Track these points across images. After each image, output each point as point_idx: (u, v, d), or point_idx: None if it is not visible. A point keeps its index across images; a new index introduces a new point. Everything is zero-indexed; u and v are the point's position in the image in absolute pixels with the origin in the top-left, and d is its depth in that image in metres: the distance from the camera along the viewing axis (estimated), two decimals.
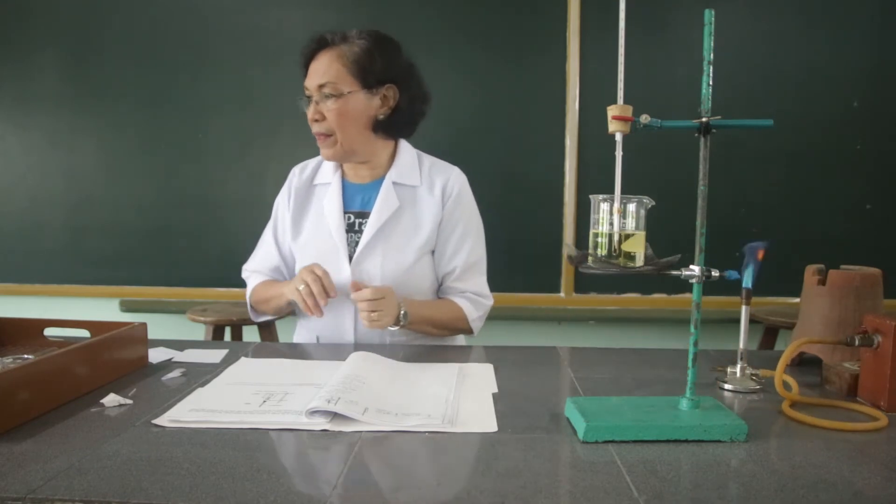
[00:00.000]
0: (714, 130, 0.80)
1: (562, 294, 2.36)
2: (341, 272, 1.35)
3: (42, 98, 2.44)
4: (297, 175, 1.49)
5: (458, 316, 1.40)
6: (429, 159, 1.46)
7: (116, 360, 1.03)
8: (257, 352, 1.23)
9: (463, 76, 2.32)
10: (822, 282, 1.07)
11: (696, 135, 0.81)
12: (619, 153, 0.80)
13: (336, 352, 1.22)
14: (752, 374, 1.00)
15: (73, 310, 2.47)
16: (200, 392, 0.95)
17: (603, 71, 2.26)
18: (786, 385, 0.94)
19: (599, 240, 0.81)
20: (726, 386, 1.00)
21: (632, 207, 0.81)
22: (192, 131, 2.42)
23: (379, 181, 1.41)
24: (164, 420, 0.83)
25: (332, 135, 1.33)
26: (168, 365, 1.11)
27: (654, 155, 2.08)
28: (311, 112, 1.34)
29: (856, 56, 2.24)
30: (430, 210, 1.39)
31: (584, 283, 2.35)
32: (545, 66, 2.30)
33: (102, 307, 2.49)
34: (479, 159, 2.33)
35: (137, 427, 0.81)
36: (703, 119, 0.80)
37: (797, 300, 1.16)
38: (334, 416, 0.83)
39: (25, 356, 1.06)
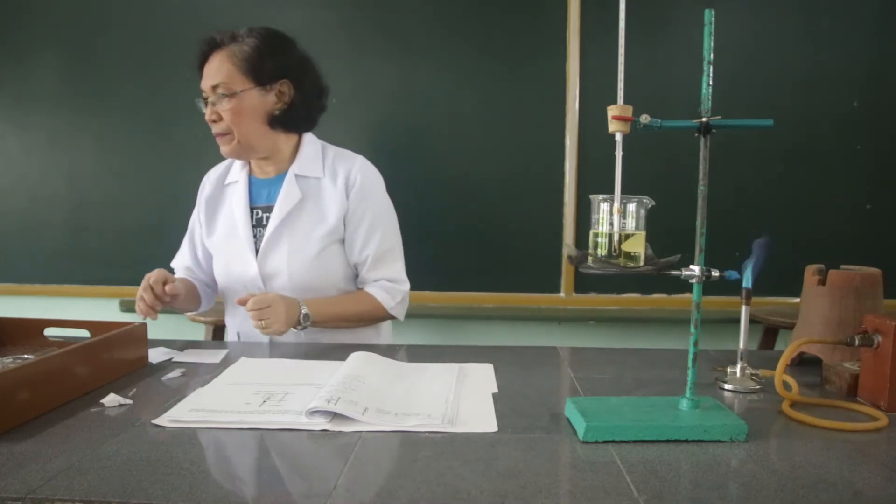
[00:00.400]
0: (714, 130, 0.80)
1: (562, 294, 2.36)
2: (249, 266, 1.39)
3: (42, 98, 2.44)
4: (210, 178, 1.54)
5: (373, 306, 1.42)
6: (333, 150, 1.48)
7: (116, 360, 1.03)
8: (257, 352, 1.23)
9: (463, 76, 2.32)
10: (822, 282, 1.07)
11: (696, 135, 0.81)
12: (619, 153, 0.80)
13: (336, 352, 1.22)
14: (752, 374, 1.00)
15: (73, 310, 2.47)
16: (200, 392, 0.95)
17: (603, 71, 2.26)
18: (786, 385, 0.94)
19: (599, 240, 0.81)
20: (726, 386, 1.00)
21: (632, 207, 0.80)
22: (191, 131, 2.42)
23: (283, 175, 1.43)
24: (164, 420, 0.83)
25: (230, 133, 1.36)
26: (168, 365, 1.11)
27: (654, 155, 2.08)
28: (207, 113, 1.37)
29: (856, 56, 2.24)
30: (333, 200, 1.41)
31: (584, 283, 2.35)
32: (545, 65, 2.30)
33: (102, 307, 2.49)
34: (478, 159, 2.33)
35: (137, 427, 0.81)
36: (703, 119, 0.80)
37: (797, 300, 1.16)
38: (334, 416, 0.83)
39: (25, 356, 1.06)
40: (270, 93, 1.37)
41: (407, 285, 1.48)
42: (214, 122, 1.36)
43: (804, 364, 1.13)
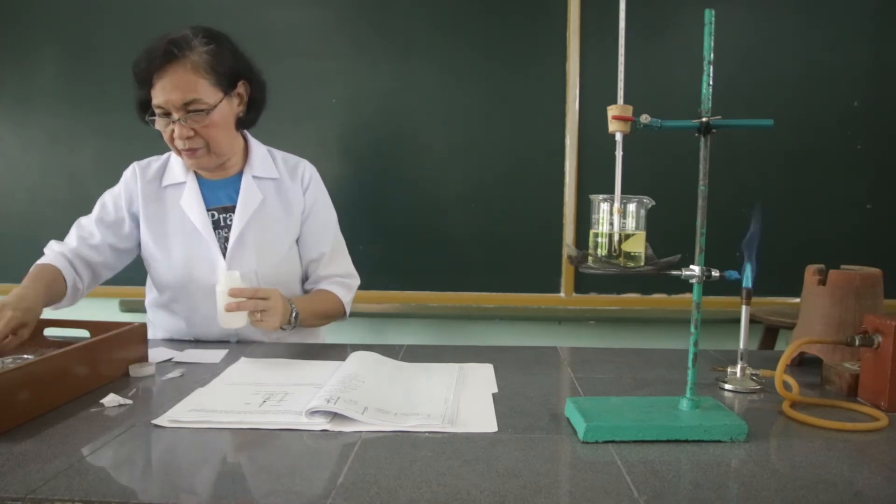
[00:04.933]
0: (714, 130, 0.80)
1: (562, 294, 2.36)
2: (216, 268, 1.35)
3: (42, 97, 2.44)
4: (139, 175, 1.42)
5: (336, 303, 1.45)
6: (279, 153, 1.49)
7: (116, 360, 1.03)
8: (257, 352, 1.23)
9: (462, 76, 2.31)
10: (822, 282, 1.07)
11: (696, 135, 0.81)
12: (619, 153, 0.80)
13: (336, 352, 1.22)
14: (752, 374, 1.00)
15: (73, 310, 2.46)
16: (200, 392, 0.95)
17: (603, 71, 2.26)
18: (786, 385, 0.94)
19: (599, 240, 0.81)
20: (726, 386, 1.00)
21: (632, 207, 0.81)
22: None
23: (236, 176, 1.42)
24: (164, 420, 0.83)
25: (204, 147, 1.30)
26: (168, 365, 1.11)
27: (654, 155, 2.08)
28: (178, 131, 1.27)
29: (856, 56, 2.23)
30: (294, 199, 1.43)
31: (584, 283, 2.34)
32: (545, 66, 2.30)
33: (102, 307, 2.49)
34: (478, 159, 2.33)
35: (137, 427, 0.81)
36: (703, 119, 0.80)
37: (797, 300, 1.16)
38: (334, 416, 0.83)
39: (25, 356, 1.06)
40: (234, 98, 1.34)
41: (358, 279, 1.51)
42: (189, 138, 1.28)
43: (804, 364, 1.13)
